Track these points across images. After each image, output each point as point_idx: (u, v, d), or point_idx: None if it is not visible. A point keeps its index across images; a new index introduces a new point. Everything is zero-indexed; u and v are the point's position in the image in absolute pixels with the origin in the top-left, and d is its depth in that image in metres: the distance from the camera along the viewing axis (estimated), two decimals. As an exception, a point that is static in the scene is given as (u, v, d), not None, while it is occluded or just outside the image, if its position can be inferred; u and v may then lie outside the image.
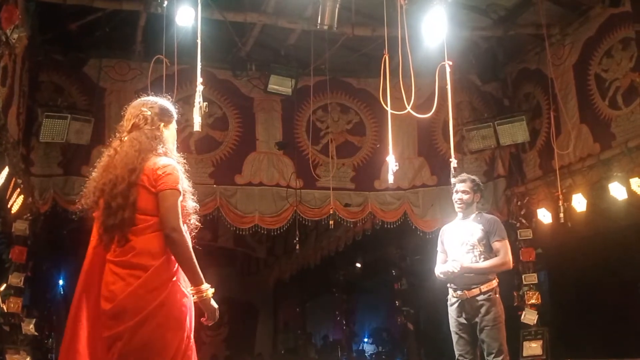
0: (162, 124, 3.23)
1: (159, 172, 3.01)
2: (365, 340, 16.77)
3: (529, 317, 8.22)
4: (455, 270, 4.97)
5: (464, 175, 5.37)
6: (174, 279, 3.00)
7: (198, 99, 3.85)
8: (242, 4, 7.59)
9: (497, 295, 5.12)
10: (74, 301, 3.04)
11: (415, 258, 13.41)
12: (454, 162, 5.19)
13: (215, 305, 3.08)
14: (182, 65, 6.21)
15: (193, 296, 3.01)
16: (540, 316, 8.28)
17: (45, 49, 7.64)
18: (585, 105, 7.51)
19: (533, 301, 8.30)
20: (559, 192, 7.40)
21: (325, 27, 6.35)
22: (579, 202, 7.49)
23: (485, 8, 7.67)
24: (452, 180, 5.38)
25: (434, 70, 5.19)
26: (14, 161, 6.53)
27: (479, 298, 5.04)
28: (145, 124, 3.17)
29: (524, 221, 8.59)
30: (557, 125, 7.74)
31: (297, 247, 9.02)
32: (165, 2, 6.26)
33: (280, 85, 8.40)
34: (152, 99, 3.30)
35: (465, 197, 5.27)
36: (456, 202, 5.29)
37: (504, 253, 5.15)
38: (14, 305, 7.30)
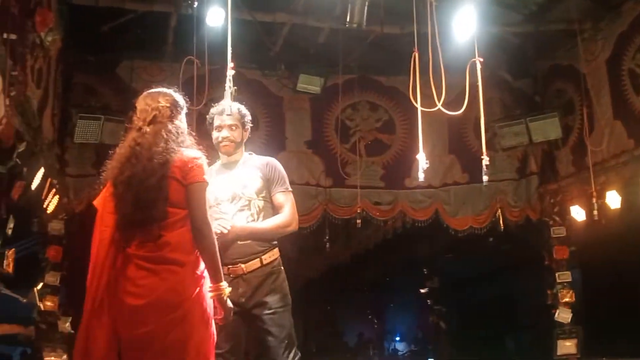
0: (179, 116, 3.19)
1: (190, 165, 2.98)
2: (397, 339, 16.75)
3: (563, 315, 8.13)
4: (225, 231, 3.45)
5: (228, 104, 3.90)
6: (205, 274, 2.99)
7: (228, 84, 3.86)
8: (271, 4, 7.62)
9: (282, 268, 3.79)
10: (90, 299, 2.92)
11: (446, 257, 13.37)
12: (485, 160, 5.09)
13: (231, 305, 3.06)
14: (213, 65, 6.27)
15: (211, 293, 2.98)
16: (574, 315, 8.18)
17: (78, 51, 7.76)
18: (618, 101, 7.39)
19: (567, 299, 8.21)
20: (593, 189, 7.31)
21: (354, 26, 6.35)
22: (613, 199, 7.38)
23: (516, 4, 7.60)
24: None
25: (464, 67, 5.16)
26: (49, 162, 6.65)
27: (259, 273, 3.64)
28: (165, 116, 3.11)
29: (557, 219, 8.50)
30: (590, 122, 7.64)
31: (327, 245, 9.03)
32: (196, 3, 6.32)
33: (310, 84, 8.41)
34: (164, 90, 3.24)
35: (234, 134, 3.81)
36: (222, 142, 3.81)
37: (291, 208, 3.77)
38: (51, 303, 7.44)
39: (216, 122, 3.82)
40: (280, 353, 3.58)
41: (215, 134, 3.83)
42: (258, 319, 3.60)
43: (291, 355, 3.62)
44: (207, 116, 3.86)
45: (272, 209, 3.76)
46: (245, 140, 3.90)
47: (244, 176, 3.77)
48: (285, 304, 3.70)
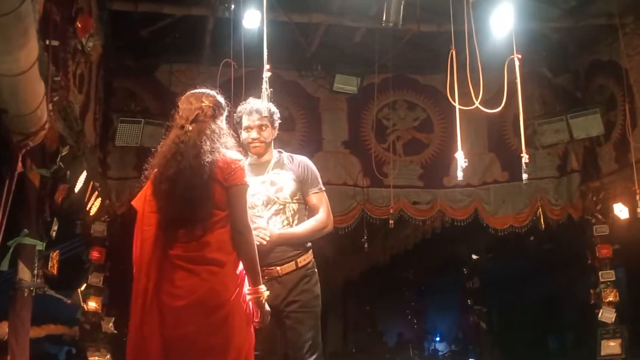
0: (221, 117, 3.20)
1: (233, 166, 2.98)
2: (437, 339, 16.63)
3: (607, 315, 7.98)
4: (264, 242, 3.43)
5: (257, 103, 3.76)
6: (244, 274, 3.00)
7: (265, 85, 3.87)
8: (307, 5, 7.64)
9: (316, 270, 3.70)
10: (141, 299, 2.91)
11: (487, 256, 13.22)
12: (525, 158, 5.03)
13: (268, 309, 3.07)
14: (250, 67, 6.30)
15: (249, 296, 2.98)
16: (618, 314, 8.02)
17: (118, 56, 7.89)
18: (662, 95, 7.25)
19: (610, 299, 8.06)
20: (636, 186, 7.15)
21: (390, 25, 6.33)
22: (658, 196, 7.22)
23: (554, -1, 7.49)
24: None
25: (502, 64, 5.10)
26: (91, 165, 6.76)
27: (293, 276, 3.56)
28: (207, 117, 3.11)
29: (600, 217, 8.35)
30: (632, 117, 7.50)
31: (366, 245, 9.01)
32: (232, 6, 6.38)
33: (346, 84, 8.42)
34: (207, 91, 3.25)
35: (264, 134, 3.68)
36: (252, 143, 3.67)
37: (326, 209, 3.68)
38: (94, 304, 7.58)
39: (245, 122, 3.68)
40: (302, 353, 3.49)
41: (244, 135, 3.68)
42: (287, 317, 3.52)
43: (314, 357, 3.50)
44: (235, 115, 3.71)
45: (306, 210, 3.70)
46: (274, 138, 3.77)
47: (277, 179, 3.65)
48: (315, 305, 3.61)
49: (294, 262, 3.56)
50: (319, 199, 3.68)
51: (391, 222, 8.36)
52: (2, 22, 3.23)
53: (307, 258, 3.63)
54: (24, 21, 3.38)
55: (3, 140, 4.35)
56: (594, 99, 8.34)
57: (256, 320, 3.05)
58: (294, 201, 3.63)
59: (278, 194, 3.61)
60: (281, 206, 3.60)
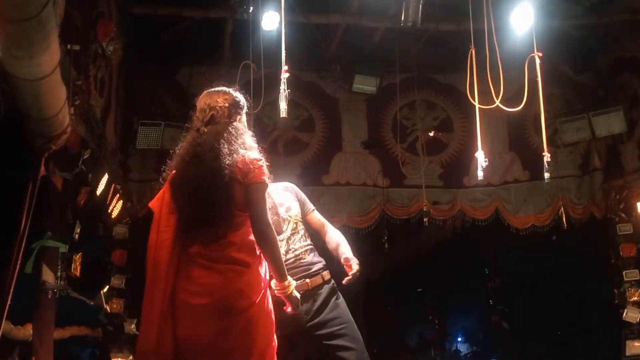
0: (238, 116, 3.18)
1: (251, 166, 2.96)
2: (459, 339, 16.55)
3: (631, 315, 7.88)
4: (357, 274, 3.67)
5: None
6: (269, 275, 2.99)
7: (283, 86, 3.86)
8: (326, 6, 7.64)
9: None
10: (159, 300, 2.85)
11: (508, 256, 13.13)
12: (547, 156, 4.99)
13: (298, 295, 3.09)
14: (269, 69, 6.31)
15: (277, 292, 3.00)
16: (643, 314, 7.93)
17: (138, 59, 7.94)
18: (687, 92, 7.15)
19: (635, 298, 7.96)
20: (661, 185, 7.08)
21: (410, 24, 6.31)
22: (683, 194, 7.13)
23: (575, -4, 7.42)
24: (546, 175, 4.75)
25: (523, 62, 5.07)
26: (112, 168, 6.82)
27: (321, 290, 3.56)
28: (223, 116, 3.10)
29: (623, 215, 8.24)
30: (656, 115, 7.41)
31: (386, 246, 8.98)
32: (251, 8, 6.39)
33: (365, 84, 8.40)
34: (224, 89, 3.25)
35: None
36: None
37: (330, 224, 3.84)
38: (117, 306, 7.64)
39: None
40: None
41: None
42: (329, 336, 3.48)
43: None
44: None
45: (309, 228, 3.73)
46: None
47: (285, 200, 3.69)
48: (351, 318, 3.63)
49: (319, 275, 3.56)
50: (319, 216, 3.77)
51: (426, 220, 8.30)
52: (24, 26, 3.26)
53: (328, 274, 3.63)
54: (45, 26, 3.41)
55: (27, 144, 4.39)
56: (617, 97, 8.25)
57: (286, 308, 3.06)
58: (300, 219, 3.67)
59: (289, 213, 3.64)
60: (294, 224, 3.63)
